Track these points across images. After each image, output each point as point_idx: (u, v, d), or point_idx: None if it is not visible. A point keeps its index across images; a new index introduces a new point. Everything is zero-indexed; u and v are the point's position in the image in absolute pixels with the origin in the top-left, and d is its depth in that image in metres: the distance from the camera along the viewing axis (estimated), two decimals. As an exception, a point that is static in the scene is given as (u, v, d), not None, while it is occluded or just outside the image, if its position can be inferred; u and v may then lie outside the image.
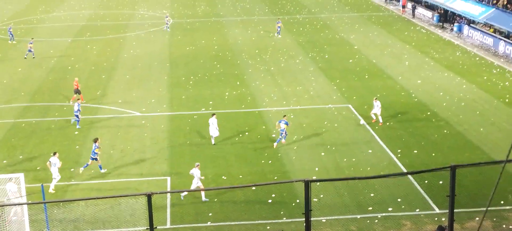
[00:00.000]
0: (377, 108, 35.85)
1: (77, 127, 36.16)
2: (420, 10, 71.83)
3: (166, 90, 43.29)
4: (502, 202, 26.10)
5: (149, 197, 16.71)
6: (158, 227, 18.51)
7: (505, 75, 46.38)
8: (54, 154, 28.71)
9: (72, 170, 30.39)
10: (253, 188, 27.64)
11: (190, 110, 39.00)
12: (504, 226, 24.39)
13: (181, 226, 25.02)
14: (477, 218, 25.03)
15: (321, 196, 26.68)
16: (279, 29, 60.58)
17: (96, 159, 29.90)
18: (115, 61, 51.60)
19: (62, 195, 27.76)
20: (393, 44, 56.69)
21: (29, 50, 52.64)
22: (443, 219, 24.35)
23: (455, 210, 18.46)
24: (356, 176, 29.12)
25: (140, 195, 18.71)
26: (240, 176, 29.53)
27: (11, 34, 59.50)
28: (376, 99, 36.31)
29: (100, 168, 30.24)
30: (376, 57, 51.97)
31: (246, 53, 53.78)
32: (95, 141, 30.12)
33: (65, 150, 32.84)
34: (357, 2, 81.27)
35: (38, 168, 30.64)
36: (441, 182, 27.54)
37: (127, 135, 34.91)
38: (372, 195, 26.95)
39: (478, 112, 38.00)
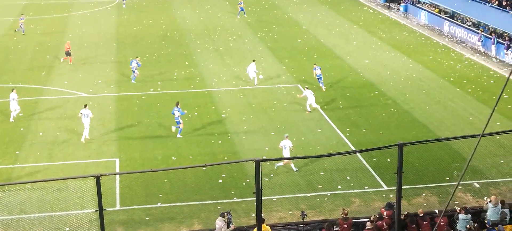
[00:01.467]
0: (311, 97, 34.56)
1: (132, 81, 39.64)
2: (367, -10, 72.44)
3: (113, 71, 42.60)
4: (447, 178, 26.71)
5: (97, 178, 16.44)
6: (107, 209, 18.20)
7: (450, 54, 47.34)
8: (85, 106, 31.13)
9: (17, 152, 29.64)
10: (203, 168, 27.51)
11: (138, 91, 38.48)
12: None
13: (130, 207, 24.74)
14: (423, 195, 25.57)
15: (271, 175, 26.77)
16: (242, 9, 60.13)
17: (179, 122, 31.22)
18: (60, 41, 50.43)
19: (7, 179, 27.06)
20: (340, 24, 57.13)
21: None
22: (391, 195, 24.75)
23: (402, 187, 18.84)
24: (306, 155, 29.29)
25: (88, 176, 18.34)
26: (190, 157, 29.36)
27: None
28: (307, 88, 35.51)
29: (180, 130, 31.40)
30: (324, 37, 52.28)
31: (194, 33, 53.35)
32: (177, 104, 31.51)
33: (9, 133, 31.99)
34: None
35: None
36: (388, 160, 27.97)
37: (74, 117, 34.16)
38: (321, 173, 27.18)
39: (424, 91, 38.69)
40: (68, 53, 43.71)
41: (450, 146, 29.32)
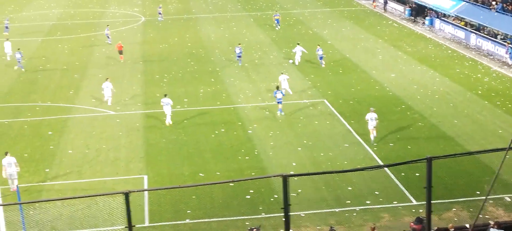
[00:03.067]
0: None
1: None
2: (392, 5, 72.34)
3: (140, 89, 42.96)
4: (478, 192, 26.38)
5: (126, 195, 16.50)
6: (136, 226, 18.28)
7: (477, 67, 46.93)
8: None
9: (46, 170, 29.99)
10: (231, 184, 27.54)
11: (165, 108, 38.71)
12: (480, 215, 24.64)
13: (159, 224, 24.83)
14: (454, 209, 25.26)
15: (299, 190, 26.68)
16: (277, 22, 62.29)
17: (280, 102, 36.35)
18: (87, 60, 51.06)
19: (37, 196, 27.36)
20: (366, 39, 57.00)
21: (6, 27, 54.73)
22: (421, 210, 24.48)
23: (432, 202, 18.63)
24: (333, 170, 29.17)
25: (118, 193, 18.46)
26: (218, 173, 29.41)
27: (7, 27, 61.59)
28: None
29: (280, 111, 36.45)
30: (349, 51, 52.20)
31: (220, 50, 53.62)
32: (278, 87, 37.08)
33: (39, 150, 32.40)
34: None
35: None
36: (417, 174, 27.74)
37: (102, 134, 34.55)
38: (349, 188, 27.05)
39: (451, 104, 38.37)
40: (121, 52, 50.19)
41: (479, 160, 28.99)
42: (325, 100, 39.38)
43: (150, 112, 38.02)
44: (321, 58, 46.96)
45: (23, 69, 48.18)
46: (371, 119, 32.37)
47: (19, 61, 48.15)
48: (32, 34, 61.91)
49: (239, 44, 50.53)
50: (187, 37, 59.33)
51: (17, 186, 24.50)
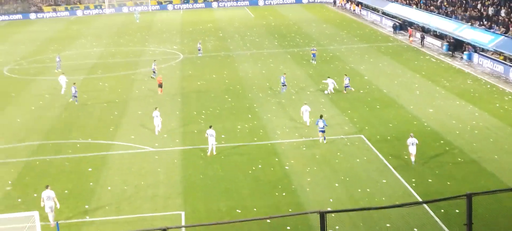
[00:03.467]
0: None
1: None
2: (429, 40, 72.03)
3: (178, 125, 43.46)
4: (519, 229, 25.89)
5: (165, 231, 16.71)
6: (174, 262, 18.49)
7: (517, 102, 46.28)
8: (47, 187, 29.19)
9: (86, 207, 30.44)
10: (268, 220, 27.56)
11: (203, 144, 39.04)
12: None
13: (196, 260, 24.92)
14: (495, 246, 24.81)
15: (337, 227, 26.54)
16: (314, 55, 63.88)
17: (323, 131, 38.25)
18: (127, 98, 51.94)
19: (77, 232, 27.79)
20: (403, 74, 56.78)
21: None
22: (461, 248, 24.10)
23: (472, 239, 18.36)
24: (371, 206, 28.94)
25: (156, 229, 18.71)
26: (255, 209, 29.47)
27: (58, 63, 64.79)
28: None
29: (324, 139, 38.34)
30: (386, 87, 52.04)
31: (257, 86, 53.99)
32: (321, 116, 38.89)
33: (79, 187, 32.95)
34: (366, 33, 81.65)
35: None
36: (457, 211, 27.37)
37: (141, 171, 35.00)
38: (388, 225, 26.81)
39: (491, 140, 37.86)
40: (160, 86, 52.79)
41: (521, 196, 28.46)
42: (362, 136, 39.26)
43: (188, 149, 38.39)
44: (347, 87, 50.59)
45: (76, 103, 50.35)
46: (412, 143, 34.45)
47: (74, 95, 50.78)
48: (74, 72, 63.29)
49: (284, 73, 53.62)
50: (225, 73, 59.94)
51: (57, 222, 24.91)
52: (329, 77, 51.91)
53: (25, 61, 71.02)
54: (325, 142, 38.31)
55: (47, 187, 29.07)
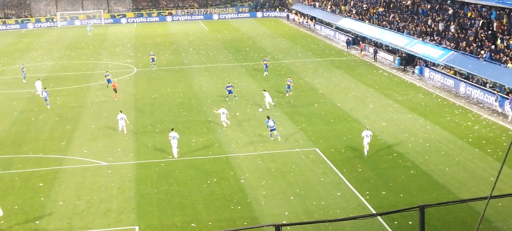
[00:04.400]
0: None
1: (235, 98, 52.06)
2: (382, 54, 73.13)
3: (132, 139, 42.94)
4: (471, 240, 26.31)
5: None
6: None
7: (467, 115, 47.26)
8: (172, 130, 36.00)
9: (37, 222, 29.73)
10: (224, 234, 27.37)
11: (157, 158, 38.69)
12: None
13: (151, 276, 24.55)
14: (447, 257, 25.15)
15: (292, 240, 26.54)
16: (266, 66, 64.32)
17: (274, 129, 40.91)
18: (80, 111, 51.12)
19: (27, 249, 27.10)
20: (356, 88, 57.43)
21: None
22: (414, 259, 24.39)
23: (426, 250, 18.55)
24: (326, 219, 29.02)
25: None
26: (210, 223, 29.26)
27: (24, 73, 64.62)
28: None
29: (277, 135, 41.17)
30: (340, 100, 52.53)
31: (212, 100, 53.83)
32: (268, 117, 41.78)
33: (29, 202, 32.18)
34: (319, 48, 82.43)
35: (1, 222, 29.89)
36: (410, 223, 27.68)
37: (94, 185, 34.41)
38: (342, 237, 26.90)
39: (443, 152, 38.52)
40: (115, 90, 55.05)
41: (472, 208, 28.95)
42: (317, 149, 39.47)
43: (142, 163, 37.95)
44: (288, 87, 53.78)
45: (48, 106, 52.39)
46: (366, 135, 37.67)
47: (46, 99, 52.55)
48: (24, 86, 62.03)
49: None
50: (180, 87, 59.62)
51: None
52: (264, 89, 53.19)
53: (-26, 74, 69.30)
54: (279, 139, 40.94)
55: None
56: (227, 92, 53.84)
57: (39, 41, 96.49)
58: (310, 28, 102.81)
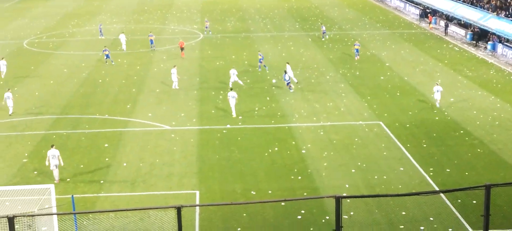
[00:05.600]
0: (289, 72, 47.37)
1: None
2: (453, 28, 71.04)
3: (196, 105, 43.28)
4: (538, 223, 25.40)
5: (178, 209, 16.51)
6: (186, 241, 18.33)
7: (540, 94, 45.46)
8: (52, 146, 31.06)
9: (101, 182, 30.43)
10: (283, 203, 27.33)
11: (220, 124, 38.88)
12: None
13: (209, 240, 24.79)
14: (512, 240, 24.39)
15: (352, 213, 26.26)
16: (357, 51, 57.68)
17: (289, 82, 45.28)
18: (145, 75, 51.83)
19: (91, 207, 27.81)
20: (425, 62, 56.06)
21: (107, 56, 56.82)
22: (478, 239, 23.76)
23: (489, 230, 17.98)
24: (388, 193, 28.61)
25: (170, 207, 18.52)
26: (270, 192, 29.25)
27: (101, 31, 69.63)
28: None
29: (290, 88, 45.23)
30: (408, 74, 51.40)
31: (276, 69, 53.57)
32: (285, 71, 46.44)
33: (95, 162, 32.94)
34: (388, 20, 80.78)
35: (68, 180, 30.73)
36: (474, 202, 26.92)
37: (157, 149, 34.90)
38: (403, 213, 26.45)
39: (512, 131, 37.25)
40: (182, 49, 58.75)
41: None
42: (381, 123, 38.81)
43: (205, 128, 38.21)
44: (356, 51, 56.43)
45: (113, 63, 55.85)
46: (437, 91, 41.78)
47: (108, 57, 56.37)
48: (93, 48, 63.38)
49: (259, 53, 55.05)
50: (245, 55, 59.60)
51: (72, 196, 24.92)
52: (288, 62, 50.20)
53: (45, 35, 71.20)
54: (291, 91, 44.77)
55: (52, 146, 30.83)
56: (259, 62, 53.58)
57: (108, 4, 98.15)
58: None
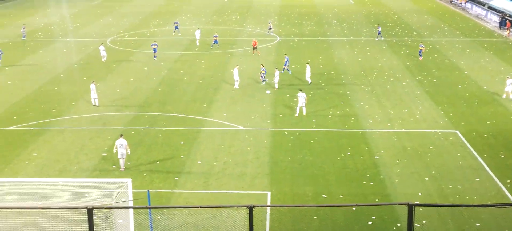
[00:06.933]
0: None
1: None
2: (537, 37, 68.72)
3: (270, 107, 43.69)
4: None
5: (250, 209, 16.89)
6: (257, 240, 18.68)
7: None
8: (121, 136, 32.81)
9: (176, 179, 31.25)
10: (353, 208, 27.34)
11: (293, 127, 39.14)
12: None
13: (279, 241, 25.08)
14: None
15: (424, 222, 26.00)
16: (421, 52, 59.21)
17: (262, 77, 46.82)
18: (222, 76, 52.69)
19: (166, 202, 28.65)
20: (505, 71, 54.49)
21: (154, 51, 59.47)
22: (555, 255, 23.07)
23: None
24: (462, 204, 28.14)
25: (242, 206, 18.93)
26: (341, 196, 29.30)
27: (176, 27, 73.37)
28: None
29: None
30: (487, 83, 50.17)
31: (351, 74, 53.40)
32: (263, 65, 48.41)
33: (171, 159, 33.84)
34: (468, 27, 78.92)
35: (144, 175, 31.73)
36: (553, 217, 26.15)
37: (231, 148, 35.51)
38: (478, 224, 25.97)
39: None
40: (255, 48, 61.42)
41: None
42: (457, 132, 38.11)
43: (278, 130, 38.56)
44: (420, 52, 58.10)
45: (154, 59, 58.76)
46: (510, 83, 44.10)
47: (155, 51, 59.18)
48: (173, 47, 64.92)
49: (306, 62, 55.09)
50: (320, 59, 59.64)
51: (148, 191, 25.73)
52: (308, 62, 52.44)
53: (128, 34, 73.41)
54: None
55: (121, 135, 32.70)
56: (283, 65, 53.52)
57: (188, 4, 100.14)
58: (459, 6, 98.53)
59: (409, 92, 47.50)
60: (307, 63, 51.43)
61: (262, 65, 50.69)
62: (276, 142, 36.56)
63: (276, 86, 48.02)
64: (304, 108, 41.07)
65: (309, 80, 49.52)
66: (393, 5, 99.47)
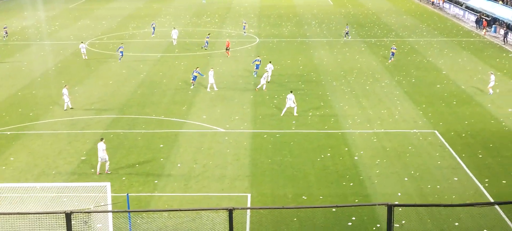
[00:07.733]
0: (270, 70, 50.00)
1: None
2: (513, 37, 69.48)
3: (250, 108, 43.66)
4: None
5: (230, 211, 16.86)
6: (237, 243, 18.62)
7: None
8: (101, 139, 32.67)
9: (155, 182, 31.08)
10: (333, 209, 27.38)
11: (273, 128, 39.14)
12: None
13: (259, 243, 25.03)
14: None
15: (403, 222, 26.10)
16: (392, 54, 58.84)
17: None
18: (201, 78, 52.48)
19: (146, 206, 28.46)
20: (483, 71, 55.00)
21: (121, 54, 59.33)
22: (532, 253, 23.29)
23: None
24: (441, 203, 28.31)
25: (222, 209, 18.88)
26: (320, 197, 29.34)
27: (154, 29, 73.33)
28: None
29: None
30: (465, 83, 50.59)
31: (331, 74, 53.56)
32: (197, 68, 49.37)
33: (150, 162, 33.65)
34: (446, 27, 79.58)
35: (123, 178, 31.52)
36: (531, 215, 26.39)
37: (210, 150, 35.41)
38: (456, 224, 26.14)
39: None
40: (227, 49, 61.04)
41: None
42: (436, 132, 38.36)
43: (258, 132, 38.53)
44: (392, 55, 57.85)
45: (119, 61, 58.35)
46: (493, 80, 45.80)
47: (121, 54, 59.02)
48: (151, 50, 64.61)
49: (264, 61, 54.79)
50: (300, 59, 59.75)
51: (127, 194, 25.57)
52: (270, 62, 53.19)
53: (106, 37, 72.97)
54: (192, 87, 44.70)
55: (101, 139, 32.63)
56: (255, 67, 53.52)
57: (167, 7, 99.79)
58: (437, 6, 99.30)
59: (388, 92, 47.75)
60: (270, 62, 52.74)
61: (257, 56, 54.35)
62: (256, 144, 36.52)
63: (264, 88, 48.23)
64: (295, 109, 41.50)
65: (269, 80, 49.71)
66: (371, 6, 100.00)
